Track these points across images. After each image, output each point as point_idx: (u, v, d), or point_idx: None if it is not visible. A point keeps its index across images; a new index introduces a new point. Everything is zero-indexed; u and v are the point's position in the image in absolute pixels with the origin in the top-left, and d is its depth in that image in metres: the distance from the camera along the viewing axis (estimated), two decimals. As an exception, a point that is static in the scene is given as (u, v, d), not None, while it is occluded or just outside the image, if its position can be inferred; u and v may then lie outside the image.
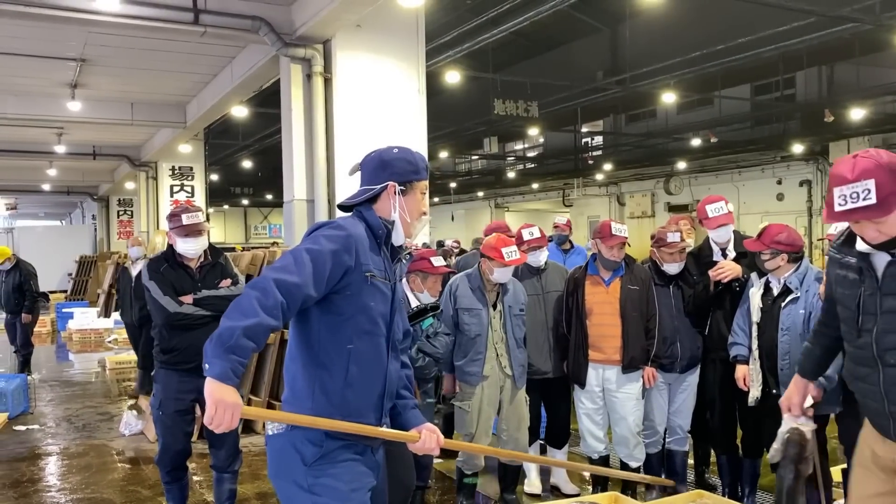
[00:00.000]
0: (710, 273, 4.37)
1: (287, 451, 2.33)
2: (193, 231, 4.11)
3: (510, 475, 4.61)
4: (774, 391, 3.97)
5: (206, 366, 2.07)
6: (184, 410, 4.11)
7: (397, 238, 2.48)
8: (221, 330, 2.07)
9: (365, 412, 2.38)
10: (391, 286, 2.46)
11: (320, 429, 2.29)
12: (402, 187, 2.46)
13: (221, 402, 2.04)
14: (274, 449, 2.39)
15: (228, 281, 4.22)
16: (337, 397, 2.33)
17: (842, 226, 3.66)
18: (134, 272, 7.77)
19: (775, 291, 4.02)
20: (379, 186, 2.45)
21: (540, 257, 4.76)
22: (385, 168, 2.47)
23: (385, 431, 2.46)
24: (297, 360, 2.37)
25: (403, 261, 2.57)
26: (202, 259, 4.21)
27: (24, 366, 9.52)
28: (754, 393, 4.07)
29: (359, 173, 2.54)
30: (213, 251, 4.31)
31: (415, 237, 2.54)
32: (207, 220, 4.35)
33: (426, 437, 2.47)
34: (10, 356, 10.50)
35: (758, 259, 4.07)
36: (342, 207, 2.53)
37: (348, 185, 6.90)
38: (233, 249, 14.79)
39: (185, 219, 4.10)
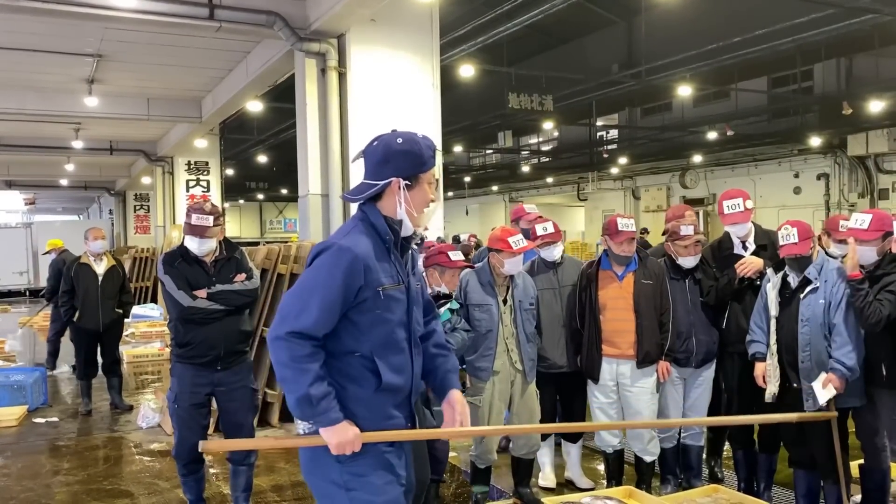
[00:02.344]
0: (737, 269, 4.34)
1: (320, 449, 2.33)
2: (198, 232, 4.13)
3: (524, 469, 4.61)
4: (795, 385, 3.95)
5: (310, 424, 2.30)
6: (199, 404, 4.14)
7: (404, 232, 2.43)
8: (297, 401, 2.24)
9: (394, 413, 2.41)
10: (405, 287, 2.41)
11: None
12: (407, 182, 2.36)
13: (343, 446, 2.28)
14: (306, 448, 2.40)
15: (243, 275, 4.24)
16: (370, 403, 2.36)
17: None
18: (99, 269, 7.30)
19: (793, 285, 3.99)
20: (382, 183, 2.37)
21: (554, 252, 4.74)
22: (388, 163, 2.37)
23: (417, 433, 2.54)
24: (329, 368, 2.35)
25: (415, 247, 2.50)
26: (217, 253, 4.24)
27: (48, 357, 9.55)
28: (772, 389, 4.04)
29: (362, 160, 2.47)
30: (229, 246, 4.32)
31: (423, 225, 2.47)
32: (223, 215, 4.31)
33: (448, 418, 2.50)
34: (30, 350, 10.63)
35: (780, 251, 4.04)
36: (346, 200, 2.51)
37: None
38: (255, 244, 14.78)
39: (195, 219, 4.14)
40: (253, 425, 4.33)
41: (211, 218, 4.15)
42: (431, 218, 2.49)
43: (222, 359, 4.12)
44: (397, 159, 2.36)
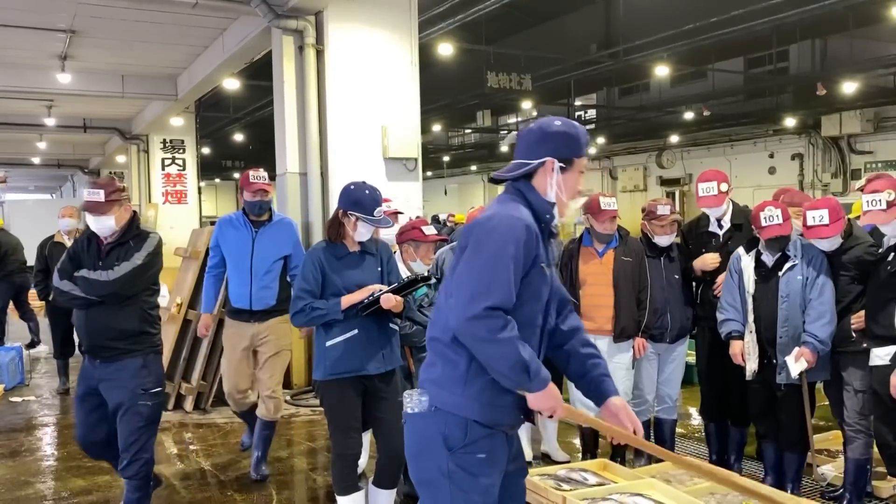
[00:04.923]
0: (695, 266, 4.56)
1: (431, 432, 2.26)
2: (88, 208, 3.70)
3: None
4: (775, 361, 4.05)
5: (525, 391, 2.22)
6: (81, 396, 3.84)
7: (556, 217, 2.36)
8: (510, 370, 2.16)
9: (515, 403, 2.29)
10: (551, 273, 2.36)
11: (466, 415, 2.24)
12: (561, 164, 2.29)
13: (554, 408, 2.25)
14: (416, 428, 2.32)
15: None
16: (492, 386, 2.24)
17: None
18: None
19: (769, 263, 4.08)
20: (536, 162, 2.28)
21: None
22: (545, 142, 2.29)
23: (608, 427, 2.44)
24: (451, 343, 2.25)
25: (553, 241, 2.43)
26: (115, 237, 3.75)
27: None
28: (751, 366, 4.12)
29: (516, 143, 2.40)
30: (129, 229, 3.78)
31: (567, 217, 2.38)
32: (123, 190, 3.81)
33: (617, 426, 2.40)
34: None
35: (756, 231, 4.12)
36: (495, 181, 2.39)
37: (342, 159, 6.92)
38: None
39: (86, 194, 3.76)
40: (146, 442, 3.78)
41: (101, 192, 3.68)
42: (575, 211, 2.40)
43: (95, 352, 3.75)
44: (554, 139, 2.30)
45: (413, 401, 2.31)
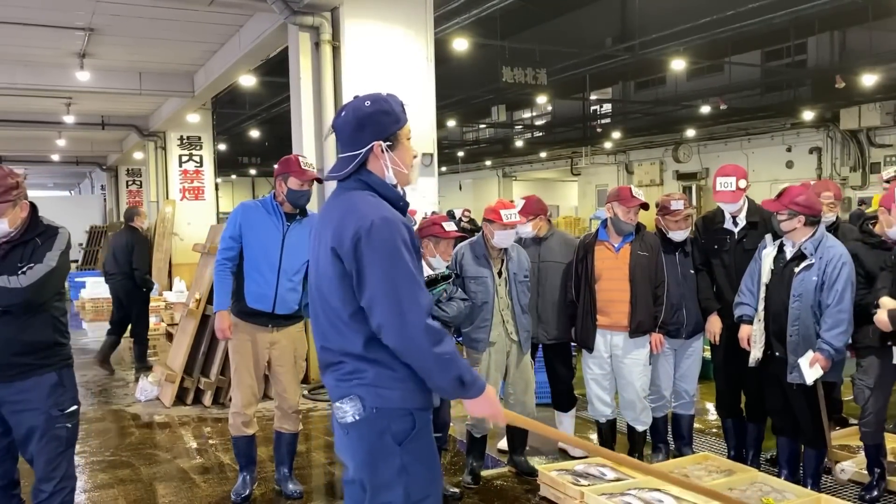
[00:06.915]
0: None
1: (378, 433, 2.26)
2: None
3: (519, 437, 4.70)
4: (778, 353, 4.03)
5: (361, 409, 2.27)
6: None
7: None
8: (453, 381, 2.22)
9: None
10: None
11: (410, 406, 2.27)
12: (388, 143, 2.30)
13: (497, 415, 2.36)
14: (361, 435, 2.28)
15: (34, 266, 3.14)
16: (417, 378, 2.27)
17: None
18: None
19: (788, 255, 4.05)
20: (364, 150, 2.29)
21: (522, 231, 4.71)
22: (364, 127, 2.29)
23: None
24: (379, 352, 2.25)
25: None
26: (13, 235, 3.15)
27: None
28: (755, 354, 4.12)
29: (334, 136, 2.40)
30: (32, 226, 3.19)
31: (414, 182, 2.41)
32: (18, 188, 3.14)
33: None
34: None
35: (774, 220, 4.11)
36: (323, 180, 2.42)
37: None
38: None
39: None
40: (68, 468, 3.25)
41: None
42: (419, 173, 2.42)
43: None
44: (372, 121, 2.30)
45: (348, 410, 2.27)
